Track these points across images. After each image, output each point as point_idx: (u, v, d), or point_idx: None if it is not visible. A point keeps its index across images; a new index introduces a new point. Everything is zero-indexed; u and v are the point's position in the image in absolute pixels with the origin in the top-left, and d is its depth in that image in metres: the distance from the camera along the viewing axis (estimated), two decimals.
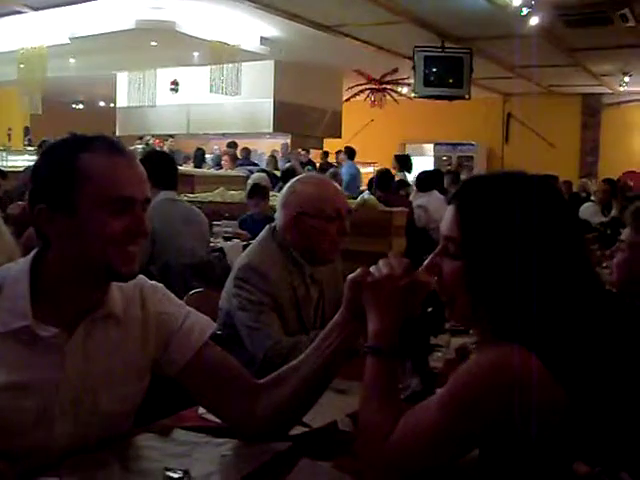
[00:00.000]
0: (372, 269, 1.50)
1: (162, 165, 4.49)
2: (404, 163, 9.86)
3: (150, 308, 1.65)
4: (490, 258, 1.26)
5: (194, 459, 1.53)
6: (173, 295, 1.74)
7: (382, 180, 7.53)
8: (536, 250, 1.24)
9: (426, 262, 1.39)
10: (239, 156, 11.63)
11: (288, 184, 2.71)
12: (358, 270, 1.54)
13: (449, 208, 1.37)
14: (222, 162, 11.42)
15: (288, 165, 9.82)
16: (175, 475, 1.34)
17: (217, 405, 1.68)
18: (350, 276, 1.55)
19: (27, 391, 1.46)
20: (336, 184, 2.84)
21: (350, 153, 12.04)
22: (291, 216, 2.58)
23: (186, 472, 1.35)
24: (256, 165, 11.16)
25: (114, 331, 1.58)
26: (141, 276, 1.68)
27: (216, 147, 13.63)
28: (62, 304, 1.50)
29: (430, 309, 2.22)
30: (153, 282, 1.72)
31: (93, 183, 1.43)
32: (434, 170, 9.47)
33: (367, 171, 12.86)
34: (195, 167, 11.73)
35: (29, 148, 12.52)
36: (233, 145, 12.66)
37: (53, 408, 1.49)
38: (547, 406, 1.17)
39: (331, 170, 9.98)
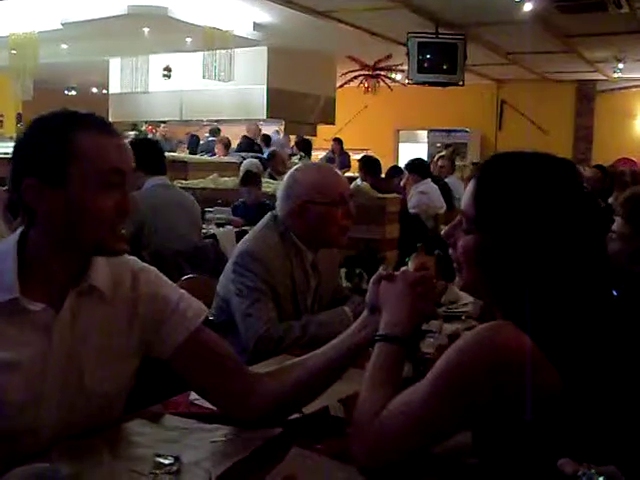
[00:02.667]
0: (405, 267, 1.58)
1: (150, 151, 4.58)
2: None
3: (141, 289, 1.64)
4: (500, 235, 1.27)
5: (185, 445, 1.54)
6: (166, 278, 1.74)
7: (369, 166, 7.51)
8: (547, 231, 1.25)
9: (444, 231, 1.42)
10: (259, 142, 11.72)
11: (288, 174, 2.71)
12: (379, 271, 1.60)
13: (470, 185, 1.39)
14: (215, 149, 11.41)
15: (271, 150, 9.81)
16: (165, 461, 1.34)
17: (208, 389, 1.67)
18: (373, 277, 1.61)
19: (15, 368, 1.46)
20: (335, 169, 2.84)
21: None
22: (296, 205, 2.58)
23: (177, 458, 1.35)
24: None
25: (101, 309, 1.57)
26: (134, 258, 1.69)
27: (207, 134, 13.58)
28: (47, 280, 1.50)
29: None
30: (145, 264, 1.71)
31: (87, 158, 1.45)
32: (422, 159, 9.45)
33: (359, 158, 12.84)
34: (190, 154, 11.69)
35: None
36: (217, 131, 12.67)
37: (41, 386, 1.49)
38: (539, 387, 1.16)
39: (325, 154, 9.98)
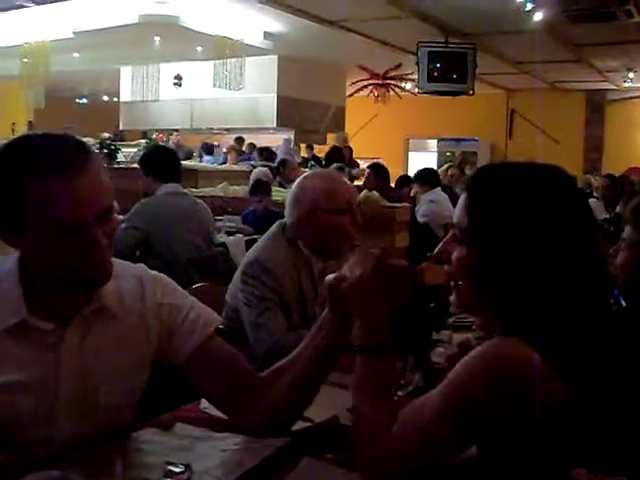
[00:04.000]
0: (345, 270, 1.48)
1: (163, 159, 4.58)
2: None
3: (150, 300, 1.63)
4: (493, 246, 1.26)
5: (195, 453, 1.54)
6: (177, 285, 1.73)
7: (378, 172, 7.50)
8: (541, 241, 1.23)
9: (437, 249, 1.40)
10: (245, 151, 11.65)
11: (296, 182, 2.71)
12: (332, 276, 1.52)
13: (461, 197, 1.37)
14: (228, 157, 11.41)
15: (281, 157, 9.80)
16: (176, 469, 1.35)
17: (220, 398, 1.66)
18: (326, 280, 1.54)
19: (25, 388, 1.46)
20: (342, 177, 2.84)
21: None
22: (304, 213, 2.58)
23: (187, 466, 1.36)
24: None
25: (111, 326, 1.56)
26: (142, 266, 1.68)
27: (223, 142, 13.58)
28: (52, 302, 1.49)
29: (432, 304, 2.22)
30: (155, 272, 1.70)
31: (39, 210, 1.35)
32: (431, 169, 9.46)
33: None
34: (201, 162, 11.70)
35: None
36: (240, 140, 12.66)
37: (52, 406, 1.49)
38: (548, 402, 1.16)
39: (335, 165, 9.95)
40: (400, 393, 1.88)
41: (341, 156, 10.93)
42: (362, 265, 1.44)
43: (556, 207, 1.26)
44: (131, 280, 1.62)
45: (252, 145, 12.18)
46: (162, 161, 4.55)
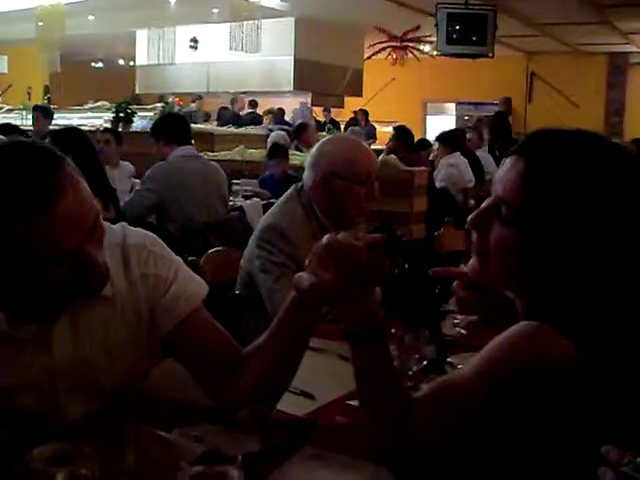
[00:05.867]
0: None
1: (171, 123, 4.73)
2: None
3: (134, 270, 1.52)
4: (553, 233, 1.12)
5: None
6: (163, 252, 1.58)
7: (404, 136, 7.42)
8: (612, 232, 1.11)
9: (472, 216, 1.22)
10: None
11: (318, 144, 2.66)
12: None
13: (511, 163, 1.18)
14: (265, 121, 11.34)
15: (300, 121, 9.72)
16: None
17: (201, 374, 1.58)
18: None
19: (23, 390, 1.43)
20: (367, 146, 2.78)
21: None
22: (321, 176, 2.53)
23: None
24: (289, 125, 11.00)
25: (99, 305, 1.47)
26: (125, 231, 1.55)
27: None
28: (37, 306, 1.41)
29: (438, 288, 2.17)
30: (139, 238, 1.57)
31: (28, 248, 1.25)
32: (457, 129, 9.35)
33: (387, 130, 12.74)
34: (219, 126, 11.66)
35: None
36: (254, 104, 12.63)
37: (55, 399, 1.46)
38: (579, 394, 1.10)
39: (351, 129, 9.87)
40: (415, 368, 1.83)
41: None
42: (318, 272, 1.30)
43: (627, 194, 1.12)
44: (116, 250, 1.50)
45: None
46: (170, 125, 4.68)
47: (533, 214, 1.12)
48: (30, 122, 8.93)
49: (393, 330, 1.78)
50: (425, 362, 1.87)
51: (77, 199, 1.28)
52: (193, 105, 13.10)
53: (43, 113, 8.50)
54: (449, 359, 1.96)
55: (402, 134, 7.46)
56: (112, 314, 1.49)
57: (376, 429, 1.28)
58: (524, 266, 1.15)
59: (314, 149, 2.64)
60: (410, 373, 1.80)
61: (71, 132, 4.31)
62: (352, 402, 1.66)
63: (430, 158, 7.73)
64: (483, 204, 1.21)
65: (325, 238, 1.32)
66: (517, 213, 1.14)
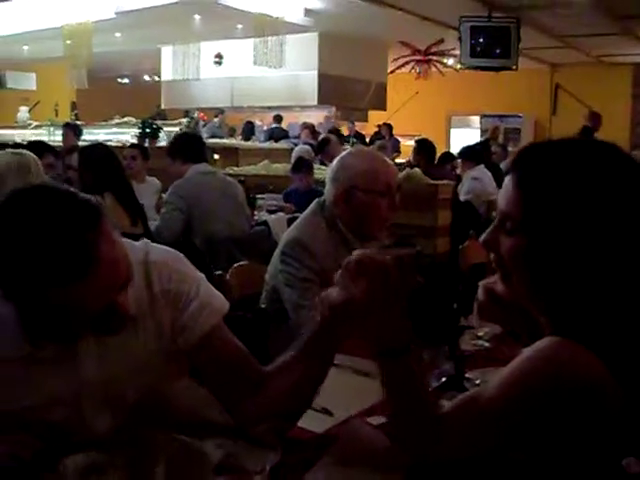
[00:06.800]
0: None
1: (186, 141, 4.77)
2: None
3: (156, 286, 1.52)
4: (553, 238, 1.14)
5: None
6: (185, 269, 1.58)
7: (425, 149, 7.41)
8: (611, 235, 1.13)
9: (482, 239, 1.25)
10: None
11: (337, 158, 2.67)
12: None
13: (508, 179, 1.22)
14: (302, 135, 11.36)
15: (323, 136, 9.74)
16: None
17: (220, 392, 1.58)
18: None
19: (51, 408, 1.44)
20: (386, 158, 2.80)
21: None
22: (342, 190, 2.54)
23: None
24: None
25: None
26: (148, 247, 1.56)
27: (259, 122, 13.59)
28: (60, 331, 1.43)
29: (455, 305, 2.17)
30: (162, 255, 1.57)
31: (64, 310, 1.30)
32: (479, 143, 9.32)
33: (410, 144, 12.73)
34: (243, 140, 11.71)
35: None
36: (279, 118, 12.66)
37: (83, 416, 1.47)
38: (605, 407, 1.11)
39: (378, 142, 9.87)
40: (434, 384, 1.83)
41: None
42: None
43: (623, 192, 1.14)
44: (138, 267, 1.47)
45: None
46: (185, 143, 4.74)
47: (534, 223, 1.16)
48: (57, 138, 9.06)
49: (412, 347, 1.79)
50: (444, 379, 1.88)
51: (113, 260, 1.29)
52: (216, 120, 13.17)
53: (73, 130, 8.65)
54: (467, 375, 1.96)
55: (423, 147, 7.45)
56: (135, 331, 1.49)
57: (405, 441, 1.30)
58: (536, 275, 1.18)
59: (334, 163, 2.66)
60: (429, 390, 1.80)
61: (98, 148, 4.38)
62: (371, 419, 1.68)
63: (458, 172, 7.71)
64: (492, 224, 1.25)
65: (355, 254, 1.35)
66: (519, 225, 1.18)
